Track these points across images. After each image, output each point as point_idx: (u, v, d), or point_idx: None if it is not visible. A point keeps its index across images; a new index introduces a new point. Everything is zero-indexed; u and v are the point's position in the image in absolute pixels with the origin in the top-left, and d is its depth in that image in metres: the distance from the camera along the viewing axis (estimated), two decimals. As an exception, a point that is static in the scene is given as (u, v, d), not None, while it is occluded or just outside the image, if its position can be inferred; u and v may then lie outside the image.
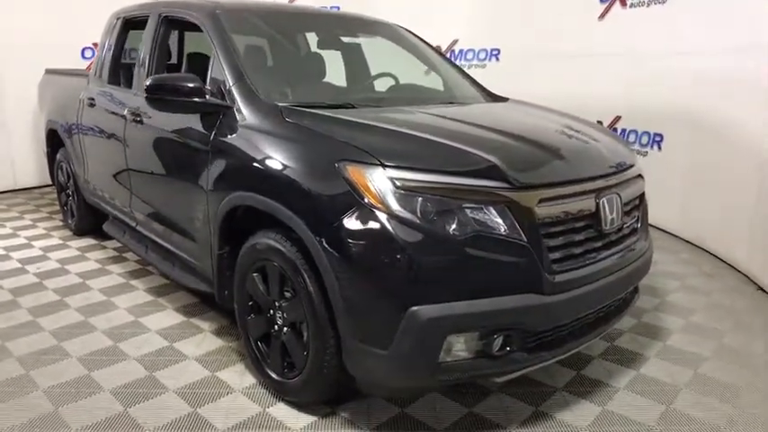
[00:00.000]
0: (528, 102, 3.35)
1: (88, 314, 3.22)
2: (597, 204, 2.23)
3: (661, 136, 4.92)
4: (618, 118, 5.36)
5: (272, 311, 2.40)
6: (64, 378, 2.58)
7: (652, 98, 4.92)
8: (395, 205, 1.95)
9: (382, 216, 1.94)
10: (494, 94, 3.52)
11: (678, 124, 4.68)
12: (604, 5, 5.38)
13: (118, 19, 3.96)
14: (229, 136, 2.55)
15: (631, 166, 2.57)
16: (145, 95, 2.71)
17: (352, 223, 1.98)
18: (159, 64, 3.35)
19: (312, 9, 4.12)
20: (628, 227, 2.48)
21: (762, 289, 3.71)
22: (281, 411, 2.36)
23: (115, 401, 2.40)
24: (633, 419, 2.34)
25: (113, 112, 3.60)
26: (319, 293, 2.10)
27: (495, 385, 2.53)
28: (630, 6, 5.17)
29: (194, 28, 3.08)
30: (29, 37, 5.75)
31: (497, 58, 6.63)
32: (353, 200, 1.99)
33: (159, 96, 2.65)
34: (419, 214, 1.94)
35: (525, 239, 1.99)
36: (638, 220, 2.59)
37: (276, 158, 2.30)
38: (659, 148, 4.93)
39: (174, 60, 4.16)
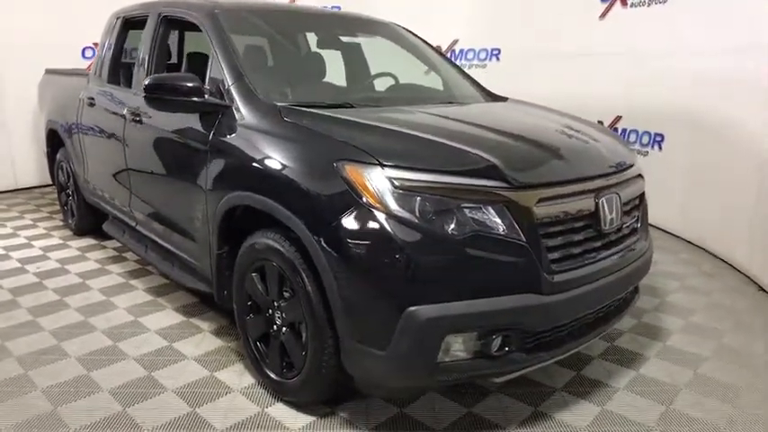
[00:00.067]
0: (527, 101, 3.35)
1: (88, 314, 3.22)
2: (596, 204, 2.23)
3: (662, 136, 4.91)
4: (618, 118, 5.36)
5: (270, 311, 2.39)
6: (63, 378, 2.57)
7: (652, 98, 4.91)
8: (393, 205, 1.94)
9: (380, 216, 1.94)
10: (493, 94, 3.51)
11: (679, 124, 4.67)
12: (605, 5, 5.38)
13: (118, 19, 3.96)
14: (228, 135, 2.55)
15: (631, 165, 2.56)
16: (143, 95, 2.71)
17: (350, 223, 1.97)
18: (159, 63, 3.35)
19: (312, 9, 4.11)
20: (627, 227, 2.48)
21: (762, 289, 3.70)
22: (280, 411, 2.36)
23: (114, 401, 2.40)
24: (633, 420, 2.33)
25: (113, 112, 3.60)
26: (318, 293, 2.10)
27: (494, 385, 2.52)
28: (631, 6, 5.16)
29: (194, 28, 3.08)
30: (29, 37, 5.75)
31: (498, 58, 6.62)
32: (352, 199, 1.99)
33: (158, 96, 2.66)
34: (417, 214, 1.94)
35: (524, 239, 1.98)
36: (637, 219, 2.59)
37: (275, 158, 2.29)
38: (660, 147, 4.92)
39: (173, 60, 4.16)
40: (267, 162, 2.31)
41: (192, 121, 2.75)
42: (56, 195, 5.10)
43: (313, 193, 2.12)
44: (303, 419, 2.30)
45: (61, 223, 4.95)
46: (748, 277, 3.89)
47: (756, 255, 3.81)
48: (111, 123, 3.60)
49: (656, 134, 4.96)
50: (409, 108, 2.79)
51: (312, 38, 3.78)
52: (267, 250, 2.30)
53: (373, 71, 3.82)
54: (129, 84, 3.70)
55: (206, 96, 2.64)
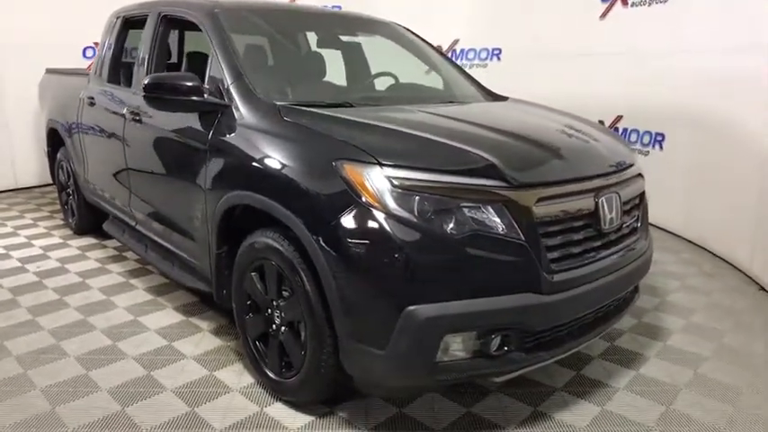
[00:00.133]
0: (527, 101, 3.34)
1: (87, 313, 3.22)
2: (596, 203, 2.22)
3: (662, 135, 4.91)
4: (619, 117, 5.35)
5: (269, 311, 2.39)
6: (62, 377, 2.57)
7: (653, 98, 4.91)
8: (392, 204, 1.94)
9: (379, 215, 1.93)
10: (494, 93, 3.51)
11: (679, 124, 4.67)
12: (606, 5, 5.37)
13: (118, 18, 3.97)
14: (227, 135, 2.55)
15: (631, 165, 2.55)
16: (143, 94, 2.71)
17: (349, 222, 1.97)
18: (159, 63, 3.35)
19: (312, 8, 4.11)
20: (627, 226, 2.47)
21: (763, 289, 3.69)
22: (279, 411, 2.36)
23: (113, 401, 2.40)
24: (632, 420, 2.33)
25: (113, 112, 3.60)
26: (317, 293, 2.09)
27: (493, 385, 2.52)
28: (632, 5, 5.15)
29: (194, 27, 3.08)
30: (30, 37, 5.76)
31: (499, 58, 6.62)
32: (351, 199, 1.98)
33: (157, 95, 2.65)
34: (416, 213, 1.93)
35: (523, 238, 1.98)
36: (637, 219, 2.58)
37: (274, 157, 2.29)
38: (661, 147, 4.92)
39: (173, 59, 4.16)
40: (266, 161, 2.31)
41: (192, 120, 2.75)
42: (56, 195, 5.10)
43: (312, 192, 2.11)
44: (302, 419, 2.30)
45: (61, 222, 4.95)
46: (749, 277, 3.88)
47: (757, 254, 3.80)
48: (111, 123, 3.60)
49: (657, 134, 4.95)
50: (409, 107, 2.78)
51: (312, 37, 3.78)
52: (266, 250, 2.30)
53: (373, 71, 3.82)
54: (129, 83, 3.70)
55: (205, 96, 2.63)
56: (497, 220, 1.97)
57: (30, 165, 6.20)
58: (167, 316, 3.20)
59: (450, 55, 6.73)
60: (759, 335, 3.10)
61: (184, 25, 3.45)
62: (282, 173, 2.22)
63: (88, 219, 4.48)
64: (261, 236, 2.34)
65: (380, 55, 3.80)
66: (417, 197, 1.95)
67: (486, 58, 6.72)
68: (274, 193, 2.23)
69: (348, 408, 2.36)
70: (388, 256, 1.92)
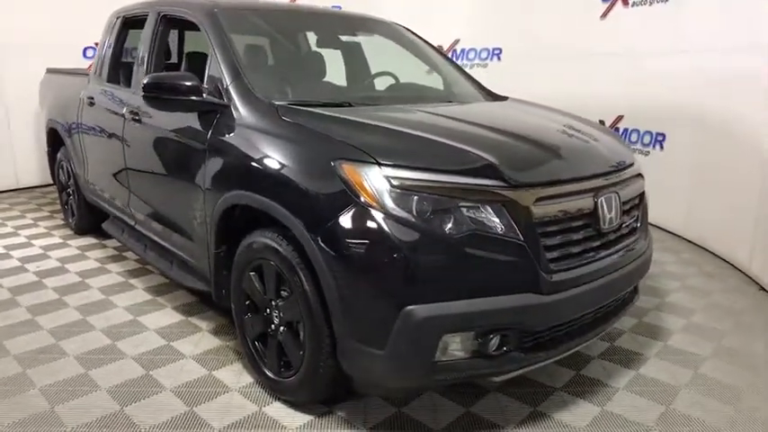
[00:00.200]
0: (527, 100, 3.34)
1: (87, 313, 3.22)
2: (595, 203, 2.22)
3: (663, 135, 4.90)
4: (620, 117, 5.34)
5: (268, 310, 2.39)
6: (61, 377, 2.57)
7: (654, 98, 4.90)
8: (390, 204, 1.93)
9: (378, 215, 1.93)
10: (494, 93, 3.51)
11: (680, 124, 4.66)
12: (606, 4, 5.36)
13: (117, 18, 3.97)
14: (226, 134, 2.54)
15: (630, 165, 2.55)
16: (142, 94, 2.71)
17: (347, 222, 1.97)
18: (158, 63, 3.35)
19: (311, 8, 4.10)
20: (627, 226, 2.47)
21: (763, 289, 3.69)
22: (278, 410, 2.35)
23: (112, 400, 2.40)
24: (632, 420, 2.32)
25: (113, 112, 3.60)
26: (315, 292, 2.09)
27: (492, 385, 2.51)
28: (633, 5, 5.15)
29: (193, 27, 3.07)
30: (31, 37, 5.76)
31: (499, 58, 6.62)
32: (349, 199, 1.98)
33: (156, 95, 2.65)
34: (415, 213, 1.93)
35: (522, 238, 1.97)
36: (637, 219, 2.58)
37: (272, 157, 2.29)
38: (661, 147, 4.91)
39: (173, 59, 4.16)
40: (265, 161, 2.31)
41: (191, 120, 2.75)
42: (57, 195, 5.10)
43: (311, 192, 2.11)
44: (301, 419, 2.30)
45: (62, 222, 4.96)
46: (749, 277, 3.88)
47: (757, 254, 3.79)
48: (111, 123, 3.60)
49: (658, 134, 4.95)
50: (408, 107, 2.78)
51: (312, 37, 3.78)
52: (265, 249, 2.30)
53: (373, 70, 3.82)
54: (128, 83, 3.70)
55: (204, 95, 2.63)
56: (496, 219, 1.96)
57: (31, 164, 6.21)
58: (166, 316, 3.20)
59: (450, 55, 6.73)
60: (759, 335, 3.10)
61: (184, 25, 3.44)
62: (281, 173, 2.22)
63: (88, 219, 4.48)
64: (259, 236, 2.34)
65: (380, 55, 3.79)
66: (416, 197, 1.95)
67: (486, 58, 6.71)
68: (273, 192, 2.23)
69: (347, 407, 2.36)
70: (386, 256, 1.91)
